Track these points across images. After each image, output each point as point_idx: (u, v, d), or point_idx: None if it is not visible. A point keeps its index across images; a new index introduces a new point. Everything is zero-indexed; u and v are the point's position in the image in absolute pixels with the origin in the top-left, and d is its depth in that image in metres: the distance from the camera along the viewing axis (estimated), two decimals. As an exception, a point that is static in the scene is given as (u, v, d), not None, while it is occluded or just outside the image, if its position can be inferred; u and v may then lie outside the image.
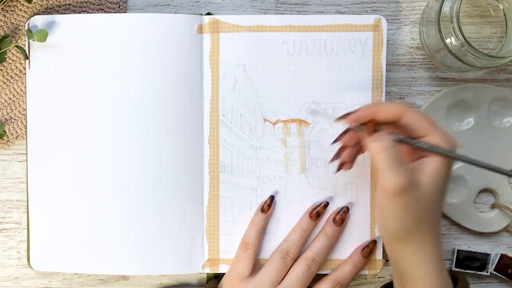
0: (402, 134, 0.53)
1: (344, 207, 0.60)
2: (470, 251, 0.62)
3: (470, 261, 0.62)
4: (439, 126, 0.52)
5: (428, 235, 0.51)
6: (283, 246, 0.59)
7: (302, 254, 0.59)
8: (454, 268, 0.62)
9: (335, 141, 0.56)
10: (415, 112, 0.52)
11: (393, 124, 0.53)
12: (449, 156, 0.50)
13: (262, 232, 0.60)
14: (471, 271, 0.61)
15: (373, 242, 0.60)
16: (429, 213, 0.51)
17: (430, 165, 0.51)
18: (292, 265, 0.58)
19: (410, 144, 0.52)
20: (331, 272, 0.59)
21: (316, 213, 0.59)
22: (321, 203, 0.60)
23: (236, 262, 0.60)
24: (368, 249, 0.60)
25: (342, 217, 0.59)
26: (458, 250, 0.62)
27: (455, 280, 0.56)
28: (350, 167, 0.57)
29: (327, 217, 0.60)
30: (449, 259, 0.63)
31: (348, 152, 0.56)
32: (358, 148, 0.56)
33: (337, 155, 0.57)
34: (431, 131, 0.51)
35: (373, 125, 0.53)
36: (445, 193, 0.52)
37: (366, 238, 0.61)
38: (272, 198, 0.60)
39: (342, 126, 0.56)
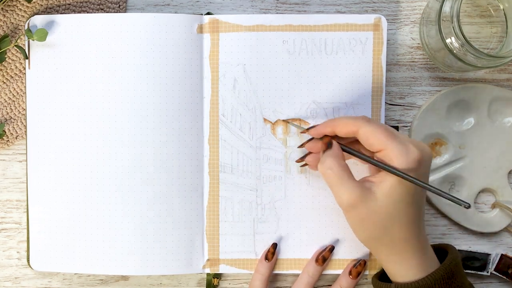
0: (362, 149, 0.54)
1: (361, 260, 0.60)
2: (470, 251, 0.62)
3: (470, 261, 0.62)
4: (400, 139, 0.51)
5: (397, 243, 0.52)
6: None
7: None
8: None
9: (301, 146, 0.59)
10: (371, 126, 0.51)
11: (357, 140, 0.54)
12: (393, 173, 0.50)
13: (268, 280, 0.60)
14: (471, 271, 0.61)
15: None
16: (391, 225, 0.51)
17: (385, 180, 0.50)
18: None
19: (358, 157, 0.53)
20: None
21: (322, 258, 0.60)
22: (326, 248, 0.60)
23: None
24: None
25: (358, 270, 0.60)
26: (458, 250, 0.62)
27: (445, 253, 0.56)
28: (315, 169, 0.58)
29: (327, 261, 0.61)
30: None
31: (313, 157, 0.58)
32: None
33: (302, 158, 0.59)
34: (386, 146, 0.50)
35: (327, 142, 0.54)
36: (411, 206, 0.51)
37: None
38: (275, 246, 0.60)
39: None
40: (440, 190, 0.50)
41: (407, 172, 0.50)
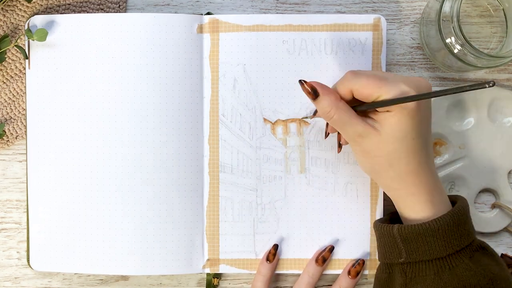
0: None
1: (359, 260, 0.60)
2: None
3: None
4: (391, 81, 0.50)
5: (404, 177, 0.51)
6: None
7: None
8: None
9: (326, 135, 0.59)
10: (359, 78, 0.51)
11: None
12: (397, 103, 0.49)
13: (270, 282, 0.60)
14: None
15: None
16: (397, 160, 0.51)
17: (389, 118, 0.50)
18: None
19: (359, 109, 0.52)
20: None
21: (322, 258, 0.60)
22: (326, 248, 0.60)
23: None
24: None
25: (357, 270, 0.59)
26: None
27: (454, 203, 0.55)
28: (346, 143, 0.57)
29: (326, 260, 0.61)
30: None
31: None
32: None
33: (339, 145, 0.58)
34: (380, 93, 0.50)
35: (310, 91, 0.52)
36: (417, 140, 0.50)
37: (366, 238, 0.61)
38: (276, 247, 0.60)
39: None
40: (454, 88, 0.47)
41: (411, 110, 0.49)
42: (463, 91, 0.45)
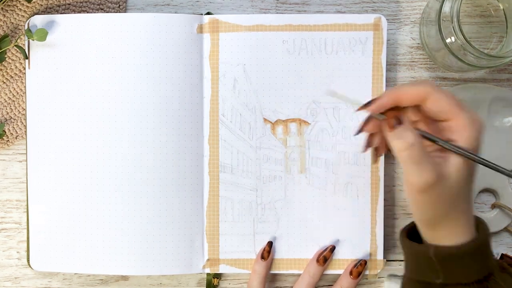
0: (425, 121, 0.50)
1: (361, 260, 0.60)
2: None
3: None
4: (466, 108, 0.48)
5: (460, 217, 0.49)
6: None
7: None
8: None
9: (359, 132, 0.52)
10: (440, 94, 0.48)
11: (417, 107, 0.50)
12: (472, 157, 0.47)
13: (265, 279, 0.60)
14: None
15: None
16: (458, 199, 0.48)
17: (454, 154, 0.48)
18: None
19: (435, 142, 0.49)
20: None
21: (323, 258, 0.60)
22: (327, 248, 0.60)
23: None
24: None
25: (359, 270, 0.59)
26: None
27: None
28: (385, 151, 0.54)
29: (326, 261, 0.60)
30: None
31: (378, 137, 0.53)
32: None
33: (368, 143, 0.54)
34: (457, 116, 0.47)
35: (394, 114, 0.49)
36: (473, 177, 0.49)
37: (367, 238, 0.61)
38: (270, 244, 0.60)
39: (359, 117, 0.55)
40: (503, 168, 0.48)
41: (475, 140, 0.47)
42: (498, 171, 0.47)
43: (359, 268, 0.60)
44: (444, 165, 0.48)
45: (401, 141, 0.47)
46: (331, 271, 0.61)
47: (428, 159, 0.47)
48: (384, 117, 0.49)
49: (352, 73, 0.60)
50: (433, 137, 0.49)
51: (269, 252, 0.60)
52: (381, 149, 0.54)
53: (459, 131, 0.47)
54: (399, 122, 0.48)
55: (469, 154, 0.47)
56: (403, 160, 0.47)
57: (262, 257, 0.60)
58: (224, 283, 0.64)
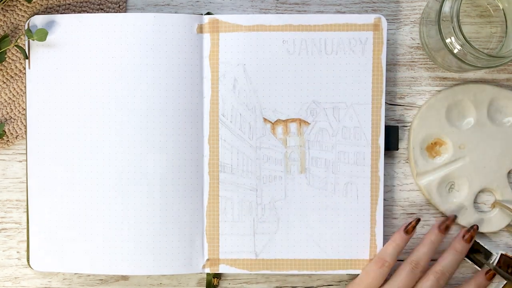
0: None
1: (474, 225, 0.61)
2: (478, 243, 0.62)
3: (474, 254, 0.62)
4: None
5: None
6: (413, 258, 0.60)
7: (431, 267, 0.60)
8: None
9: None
10: None
11: None
12: None
13: (400, 252, 0.60)
14: (469, 261, 0.62)
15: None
16: None
17: None
18: (421, 277, 0.59)
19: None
20: (433, 265, 0.60)
21: (445, 226, 0.60)
22: (449, 217, 0.61)
23: (367, 276, 0.60)
24: (470, 235, 0.60)
25: (472, 235, 0.60)
26: None
27: None
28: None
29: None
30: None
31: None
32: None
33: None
34: None
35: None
36: None
37: (367, 237, 0.61)
38: (418, 220, 0.61)
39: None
40: None
41: None
42: None
43: (472, 233, 0.60)
44: None
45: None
46: (330, 272, 0.61)
47: None
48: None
49: (352, 73, 0.60)
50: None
51: (414, 227, 0.60)
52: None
53: None
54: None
55: None
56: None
57: (406, 231, 0.60)
58: (224, 283, 0.64)
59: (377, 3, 0.63)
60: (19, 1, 0.62)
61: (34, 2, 0.62)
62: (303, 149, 0.61)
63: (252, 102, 0.61)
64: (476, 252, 0.62)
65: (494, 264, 0.61)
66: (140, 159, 0.60)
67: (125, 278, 0.63)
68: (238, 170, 0.61)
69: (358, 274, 0.61)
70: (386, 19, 0.60)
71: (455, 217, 0.61)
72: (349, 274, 0.62)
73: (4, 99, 0.63)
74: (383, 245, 0.61)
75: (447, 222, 0.60)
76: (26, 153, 0.61)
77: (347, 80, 0.60)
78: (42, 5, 0.62)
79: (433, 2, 0.58)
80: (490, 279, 0.61)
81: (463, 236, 0.60)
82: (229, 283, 0.64)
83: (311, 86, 0.60)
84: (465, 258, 0.62)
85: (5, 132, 0.63)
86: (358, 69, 0.60)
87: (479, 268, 0.62)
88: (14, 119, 0.63)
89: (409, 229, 0.60)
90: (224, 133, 0.61)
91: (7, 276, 0.63)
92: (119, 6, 0.62)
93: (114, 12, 0.62)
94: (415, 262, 0.59)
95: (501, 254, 0.62)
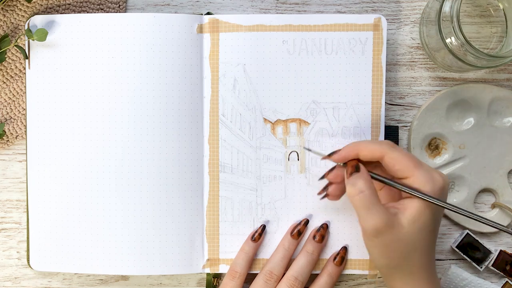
0: (384, 174, 0.54)
1: (323, 224, 0.60)
2: (477, 241, 0.62)
3: (472, 250, 0.62)
4: (425, 167, 0.51)
5: (415, 271, 0.52)
6: (266, 268, 0.59)
7: (285, 274, 0.59)
8: (454, 248, 0.62)
9: (322, 177, 0.57)
10: (397, 152, 0.51)
11: (378, 164, 0.54)
12: (424, 199, 0.50)
13: (252, 260, 0.60)
14: (468, 259, 0.62)
15: (344, 249, 0.60)
16: (413, 252, 0.51)
17: (411, 207, 0.51)
18: (276, 286, 0.58)
19: (385, 183, 0.53)
20: (287, 271, 0.59)
21: (298, 232, 0.60)
22: (301, 221, 0.60)
23: None
24: (340, 257, 0.60)
25: (322, 234, 0.60)
26: (467, 233, 0.62)
27: None
28: (336, 199, 0.58)
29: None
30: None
31: (334, 187, 0.57)
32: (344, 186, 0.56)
33: (324, 189, 0.58)
34: (413, 173, 0.51)
35: (354, 165, 0.53)
36: (432, 233, 0.52)
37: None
38: (263, 227, 0.60)
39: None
40: (476, 215, 0.50)
41: (437, 196, 0.50)
42: (487, 224, 0.50)
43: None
44: (398, 215, 0.51)
45: (352, 187, 0.52)
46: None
47: (379, 206, 0.50)
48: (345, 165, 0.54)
49: (352, 73, 0.60)
50: (386, 180, 0.53)
51: (260, 234, 0.60)
52: (332, 197, 0.57)
53: (418, 188, 0.51)
54: (358, 170, 0.52)
55: (421, 195, 0.50)
56: (354, 205, 0.51)
57: (253, 239, 0.60)
58: (224, 283, 0.64)
59: (377, 3, 0.63)
60: (19, 1, 0.62)
61: (34, 2, 0.62)
62: (303, 149, 0.61)
63: (252, 102, 0.61)
64: (475, 250, 0.62)
65: (493, 261, 0.61)
66: (140, 159, 0.60)
67: (125, 278, 0.63)
68: (238, 170, 0.61)
69: (362, 274, 0.61)
70: (386, 19, 0.60)
71: (307, 221, 0.60)
72: (352, 274, 0.62)
73: (4, 99, 0.63)
74: None
75: (299, 227, 0.60)
76: (26, 153, 0.61)
77: (347, 80, 0.60)
78: (42, 5, 0.62)
79: (433, 2, 0.58)
80: (339, 264, 0.59)
81: (314, 237, 0.59)
82: (229, 283, 0.64)
83: (311, 86, 0.60)
84: (465, 257, 0.62)
85: (5, 132, 0.63)
86: (358, 69, 0.60)
87: (478, 267, 0.62)
88: (14, 119, 0.63)
89: (256, 237, 0.60)
90: (224, 133, 0.61)
91: (7, 276, 0.63)
92: (119, 6, 0.62)
93: (114, 12, 0.62)
94: (269, 272, 0.58)
95: (500, 251, 0.62)
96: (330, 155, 0.55)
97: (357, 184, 0.51)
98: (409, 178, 0.51)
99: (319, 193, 0.58)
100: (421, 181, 0.50)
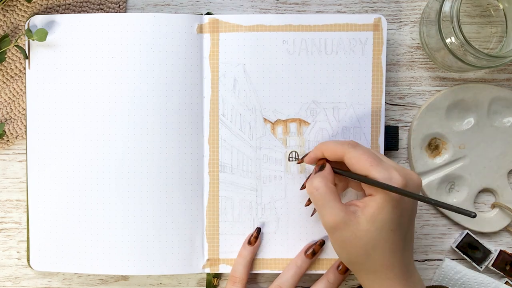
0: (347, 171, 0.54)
1: (320, 240, 0.60)
2: (477, 241, 0.62)
3: (472, 250, 0.62)
4: (384, 166, 0.51)
5: (378, 270, 0.51)
6: (276, 282, 0.59)
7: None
8: (454, 248, 0.62)
9: (300, 161, 0.60)
10: (356, 151, 0.52)
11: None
12: (381, 187, 0.50)
13: (250, 264, 0.60)
14: (468, 259, 0.62)
15: (321, 243, 0.60)
16: (373, 250, 0.51)
17: (370, 204, 0.50)
18: None
19: (349, 177, 0.53)
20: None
21: (312, 252, 0.60)
22: (317, 242, 0.60)
23: None
24: (344, 266, 0.59)
25: (314, 250, 0.60)
26: (467, 233, 0.62)
27: None
28: None
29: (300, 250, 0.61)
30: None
31: None
32: None
33: (304, 185, 0.59)
34: (369, 172, 0.51)
35: (321, 164, 0.55)
36: (395, 232, 0.51)
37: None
38: (258, 230, 0.61)
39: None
40: (438, 201, 0.49)
41: (394, 200, 0.50)
42: (449, 210, 0.48)
43: (316, 247, 0.60)
44: (357, 212, 0.51)
45: (310, 185, 0.53)
46: (321, 272, 0.61)
47: (334, 203, 0.51)
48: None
49: (352, 73, 0.60)
50: (343, 172, 0.54)
51: (256, 238, 0.60)
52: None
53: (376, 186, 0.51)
54: (322, 169, 0.54)
55: (374, 182, 0.50)
56: (314, 201, 0.53)
57: (249, 243, 0.60)
58: (224, 283, 0.64)
59: (377, 3, 0.63)
60: (19, 1, 0.62)
61: (34, 2, 0.62)
62: (303, 149, 0.61)
63: (252, 102, 0.61)
64: (475, 250, 0.62)
65: (493, 261, 0.61)
66: (140, 159, 0.60)
67: (125, 278, 0.63)
68: (238, 170, 0.61)
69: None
70: (386, 19, 0.60)
71: (323, 242, 0.60)
72: (352, 274, 0.62)
73: (4, 99, 0.63)
74: None
75: (314, 247, 0.60)
76: (26, 153, 0.61)
77: (347, 80, 0.60)
78: (42, 5, 0.62)
79: (433, 2, 0.58)
80: (343, 273, 0.59)
81: (338, 267, 0.59)
82: (229, 283, 0.64)
83: (311, 86, 0.60)
84: (465, 257, 0.62)
85: (5, 132, 0.63)
86: (358, 69, 0.60)
87: (478, 267, 0.62)
88: (14, 119, 0.63)
89: (252, 241, 0.60)
90: (224, 133, 0.61)
91: (7, 276, 0.63)
92: (119, 6, 0.62)
93: (114, 12, 0.62)
94: (278, 287, 0.59)
95: (500, 251, 0.62)
96: (302, 158, 0.58)
97: (314, 182, 0.53)
98: (368, 177, 0.51)
99: (301, 189, 0.60)
100: (380, 179, 0.50)
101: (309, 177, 0.58)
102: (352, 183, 0.57)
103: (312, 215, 0.60)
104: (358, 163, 0.51)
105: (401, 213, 0.51)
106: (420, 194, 0.51)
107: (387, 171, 0.50)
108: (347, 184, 0.58)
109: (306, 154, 0.58)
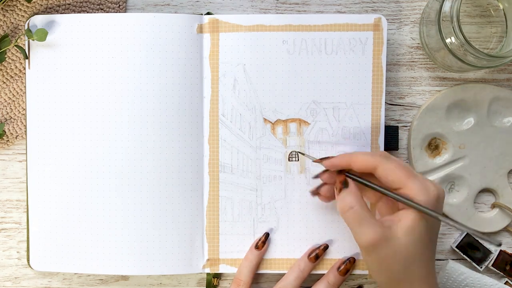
0: (378, 184, 0.53)
1: (324, 244, 0.60)
2: (477, 241, 0.62)
3: (473, 250, 0.62)
4: (419, 178, 0.50)
5: (415, 282, 0.50)
6: (279, 284, 0.59)
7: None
8: (454, 248, 0.62)
9: (316, 176, 0.58)
10: (390, 163, 0.51)
11: (371, 175, 0.53)
12: (418, 209, 0.49)
13: (256, 268, 0.60)
14: (468, 259, 0.62)
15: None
16: (412, 264, 0.50)
17: (405, 218, 0.50)
18: None
19: (378, 191, 0.52)
20: None
21: (315, 255, 0.60)
22: (320, 246, 0.60)
23: None
24: (345, 268, 0.59)
25: (317, 254, 0.60)
26: (467, 233, 0.62)
27: None
28: (327, 201, 0.58)
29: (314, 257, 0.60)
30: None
31: (327, 188, 0.57)
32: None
33: (318, 188, 0.58)
34: (406, 183, 0.50)
35: (342, 180, 0.53)
36: (430, 244, 0.51)
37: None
38: (267, 235, 0.61)
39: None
40: (467, 227, 0.49)
41: (431, 206, 0.50)
42: (476, 236, 0.48)
43: (348, 265, 0.60)
44: (393, 227, 0.50)
45: (343, 203, 0.51)
46: (323, 272, 0.61)
47: (371, 220, 0.50)
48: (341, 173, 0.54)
49: (352, 73, 0.60)
50: (376, 186, 0.52)
51: (264, 242, 0.60)
52: (324, 198, 0.58)
53: (412, 198, 0.50)
54: (347, 186, 0.52)
55: (413, 205, 0.49)
56: (346, 221, 0.51)
57: (257, 247, 0.60)
58: (224, 283, 0.64)
59: (377, 3, 0.63)
60: (19, 1, 0.62)
61: (34, 2, 0.62)
62: (303, 149, 0.61)
63: (252, 102, 0.61)
64: (475, 250, 0.62)
65: (493, 261, 0.61)
66: (140, 159, 0.60)
67: (125, 278, 0.63)
68: (238, 170, 0.61)
69: (362, 274, 0.61)
70: (386, 19, 0.60)
71: (327, 246, 0.60)
72: (352, 274, 0.62)
73: (4, 99, 0.63)
74: None
75: (317, 251, 0.60)
76: (26, 153, 0.61)
77: (347, 80, 0.60)
78: (42, 5, 0.62)
79: (433, 2, 0.58)
80: (344, 274, 0.59)
81: (338, 268, 0.59)
82: (229, 283, 0.64)
83: (311, 86, 0.60)
84: (465, 257, 0.62)
85: (5, 132, 0.63)
86: (358, 69, 0.60)
87: (478, 267, 0.62)
88: (14, 119, 0.63)
89: (260, 245, 0.60)
90: (224, 133, 0.61)
91: (7, 276, 0.63)
92: (119, 6, 0.62)
93: (114, 12, 0.62)
94: None
95: (500, 251, 0.62)
96: (322, 159, 0.56)
97: (346, 200, 0.51)
98: (402, 189, 0.50)
99: (311, 192, 0.59)
100: (415, 191, 0.50)
101: (320, 185, 0.57)
102: (369, 194, 0.56)
103: (314, 194, 0.59)
104: (394, 174, 0.50)
105: (432, 225, 0.51)
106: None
107: (423, 183, 0.50)
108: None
109: (327, 158, 0.55)
